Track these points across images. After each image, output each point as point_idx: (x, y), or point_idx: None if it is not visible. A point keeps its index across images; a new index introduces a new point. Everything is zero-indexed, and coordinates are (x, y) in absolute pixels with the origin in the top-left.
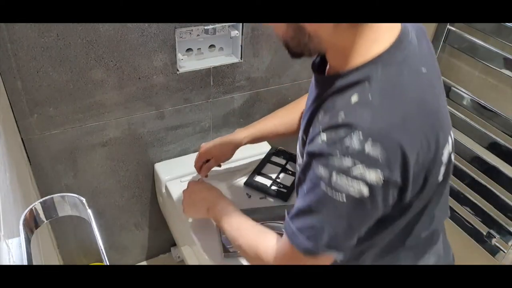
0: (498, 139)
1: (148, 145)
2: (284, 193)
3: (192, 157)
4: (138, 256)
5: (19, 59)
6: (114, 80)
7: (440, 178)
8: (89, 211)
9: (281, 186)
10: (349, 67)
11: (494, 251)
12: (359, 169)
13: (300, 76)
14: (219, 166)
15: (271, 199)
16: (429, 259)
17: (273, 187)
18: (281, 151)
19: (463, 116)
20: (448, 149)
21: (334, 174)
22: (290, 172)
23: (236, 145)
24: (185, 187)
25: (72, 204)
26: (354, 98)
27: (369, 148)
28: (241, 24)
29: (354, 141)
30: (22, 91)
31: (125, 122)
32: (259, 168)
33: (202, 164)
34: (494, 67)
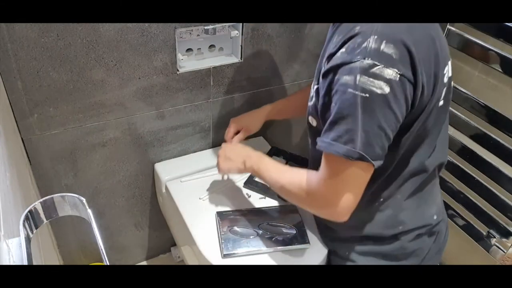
0: (498, 139)
1: (148, 145)
2: None
3: (192, 157)
4: (138, 256)
5: (19, 59)
6: (114, 80)
7: (441, 102)
8: (89, 211)
9: None
10: None
11: (494, 251)
12: (378, 68)
13: (300, 76)
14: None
15: (271, 199)
16: (432, 207)
17: None
18: (281, 151)
19: (463, 116)
20: (448, 72)
21: (358, 75)
22: None
23: (264, 117)
24: (185, 187)
25: (72, 204)
26: None
27: (383, 47)
28: (241, 24)
29: (370, 43)
30: (22, 91)
31: (125, 122)
32: None
33: (233, 136)
34: (494, 67)
